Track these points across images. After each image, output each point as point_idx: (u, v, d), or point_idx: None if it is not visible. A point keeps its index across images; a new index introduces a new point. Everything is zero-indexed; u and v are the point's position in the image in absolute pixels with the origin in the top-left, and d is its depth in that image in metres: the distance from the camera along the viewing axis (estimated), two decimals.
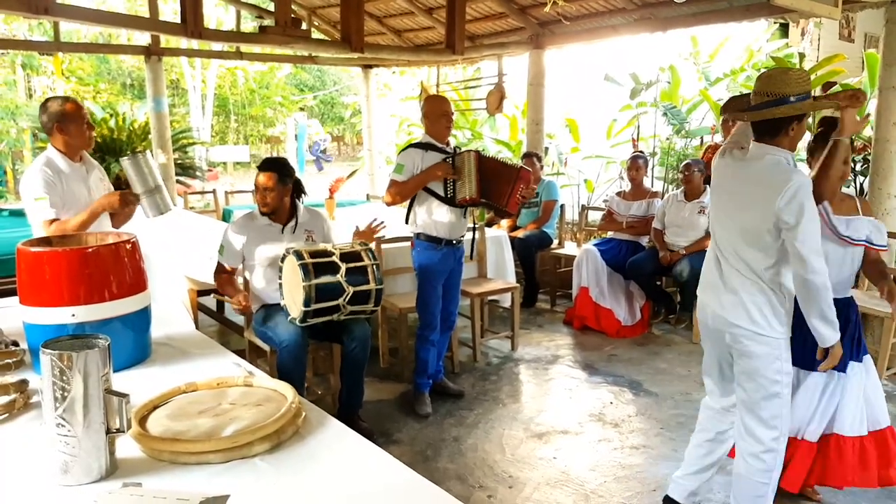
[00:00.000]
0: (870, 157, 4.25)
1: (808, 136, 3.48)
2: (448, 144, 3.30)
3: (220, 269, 3.02)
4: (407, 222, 3.34)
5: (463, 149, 3.38)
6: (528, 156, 5.40)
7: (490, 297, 4.36)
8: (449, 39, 5.33)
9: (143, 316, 1.92)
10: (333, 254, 2.66)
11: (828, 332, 2.00)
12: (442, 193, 3.22)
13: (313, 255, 2.63)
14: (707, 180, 4.53)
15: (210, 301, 3.95)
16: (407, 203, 3.34)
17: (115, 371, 1.39)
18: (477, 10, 6.00)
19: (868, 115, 2.35)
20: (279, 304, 2.82)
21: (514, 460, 2.89)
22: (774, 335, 2.07)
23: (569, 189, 7.37)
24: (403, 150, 3.32)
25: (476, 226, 3.56)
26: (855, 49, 8.06)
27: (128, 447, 1.38)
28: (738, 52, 7.17)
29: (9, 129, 11.55)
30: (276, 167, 2.95)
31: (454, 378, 3.77)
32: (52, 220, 2.56)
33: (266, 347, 2.98)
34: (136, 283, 1.88)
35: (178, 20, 4.19)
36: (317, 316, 2.63)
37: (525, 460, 2.89)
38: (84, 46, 9.17)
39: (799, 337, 2.14)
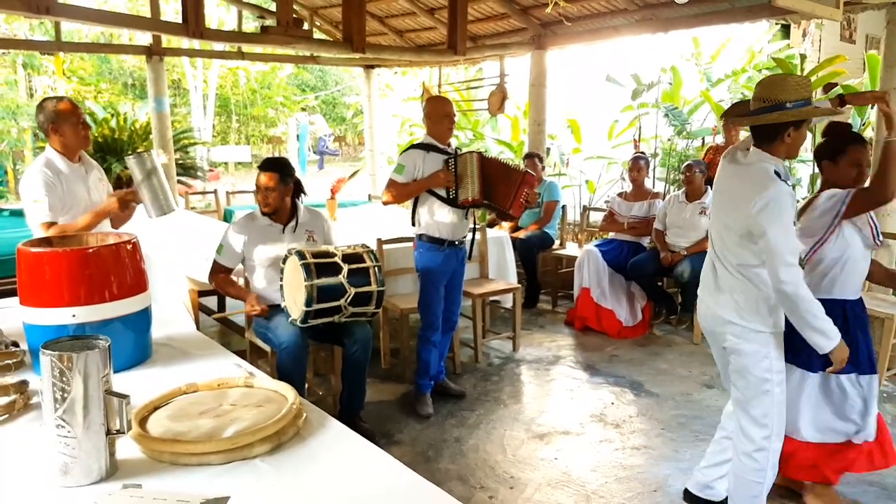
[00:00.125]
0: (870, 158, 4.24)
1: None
2: (449, 145, 3.30)
3: (216, 269, 3.02)
4: (413, 224, 3.34)
5: (464, 150, 3.37)
6: (529, 156, 5.39)
7: (491, 298, 4.36)
8: (451, 40, 5.33)
9: (144, 316, 1.91)
10: (335, 255, 2.66)
11: (819, 340, 2.00)
12: (444, 194, 3.22)
13: (315, 255, 2.62)
14: (708, 181, 4.53)
15: (211, 301, 3.95)
16: (410, 204, 3.33)
17: (115, 372, 1.39)
18: (479, 10, 5.99)
19: None
20: (279, 305, 2.82)
21: (515, 461, 2.88)
22: (762, 330, 2.09)
23: (570, 190, 7.37)
24: (405, 150, 3.32)
25: (477, 226, 3.56)
26: (856, 50, 8.05)
27: (128, 448, 1.38)
28: (739, 53, 7.16)
29: (10, 129, 11.56)
30: (278, 167, 2.95)
31: (456, 379, 3.77)
32: (50, 224, 2.55)
33: (267, 348, 2.98)
34: (137, 283, 1.87)
35: (180, 20, 4.19)
36: (318, 317, 2.62)
37: (526, 461, 2.88)
38: (85, 46, 9.16)
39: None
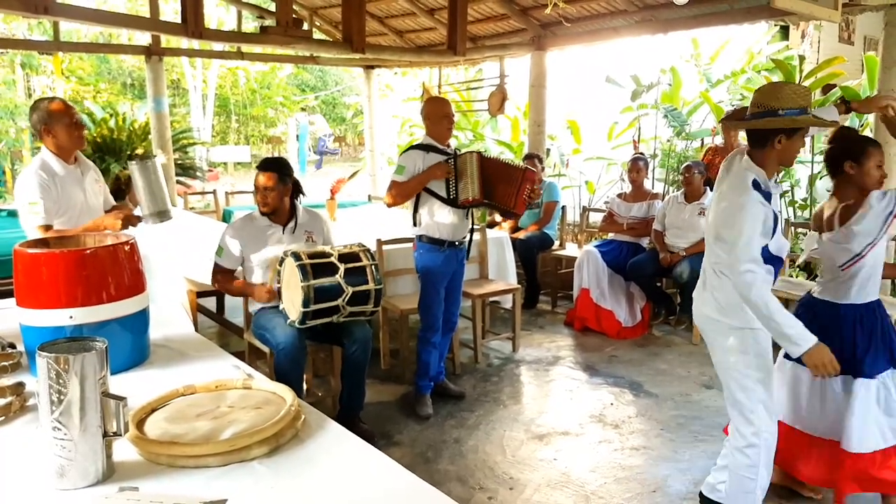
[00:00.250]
0: None
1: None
2: (449, 146, 3.29)
3: (217, 271, 3.01)
4: (415, 225, 3.33)
5: (464, 150, 3.37)
6: (529, 157, 5.39)
7: (491, 299, 4.35)
8: (451, 40, 5.33)
9: (142, 318, 1.90)
10: (332, 255, 2.65)
11: (786, 344, 2.01)
12: (444, 195, 3.21)
13: (311, 256, 2.62)
14: (707, 182, 4.53)
15: (210, 302, 3.94)
16: (411, 205, 3.33)
17: (112, 373, 1.38)
18: (479, 11, 5.99)
19: None
20: (277, 306, 2.81)
21: (514, 462, 2.88)
22: (741, 327, 2.11)
23: (570, 190, 7.36)
24: (405, 151, 3.32)
25: (476, 227, 3.56)
26: (854, 51, 8.06)
27: (125, 450, 1.37)
28: (738, 54, 7.16)
29: (8, 129, 11.55)
30: (276, 167, 2.94)
31: (455, 379, 3.76)
32: (46, 227, 2.54)
33: (266, 349, 2.97)
34: (135, 284, 1.86)
35: (179, 20, 4.18)
36: (316, 317, 2.61)
37: (526, 462, 2.88)
38: (84, 46, 9.16)
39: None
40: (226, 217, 6.04)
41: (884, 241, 2.30)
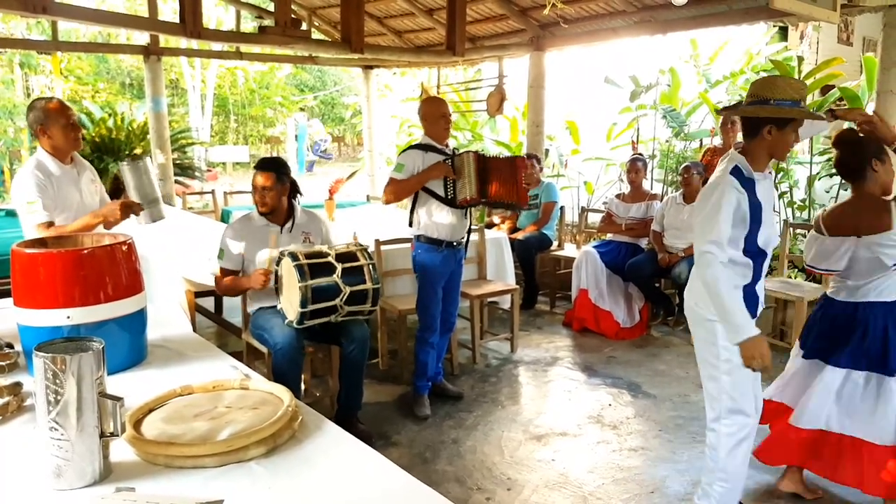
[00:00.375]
0: None
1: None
2: (447, 146, 3.29)
3: (223, 274, 2.98)
4: (411, 225, 3.33)
5: (462, 150, 3.37)
6: (528, 157, 5.38)
7: (489, 299, 4.35)
8: (449, 41, 5.33)
9: (139, 318, 1.90)
10: (329, 254, 2.65)
11: (729, 330, 2.06)
12: (442, 194, 3.21)
13: (309, 256, 2.62)
14: (706, 183, 4.53)
15: (208, 302, 3.94)
16: (409, 204, 3.33)
17: (110, 374, 1.38)
18: (477, 11, 5.99)
19: None
20: (275, 306, 2.80)
21: (512, 462, 2.88)
22: (712, 318, 2.14)
23: (569, 191, 7.37)
24: (404, 150, 3.32)
25: (474, 227, 3.56)
26: (853, 53, 8.07)
27: (122, 451, 1.37)
28: (737, 55, 7.17)
29: (6, 129, 11.54)
30: (274, 166, 2.94)
31: (453, 380, 3.76)
32: (48, 224, 2.53)
33: (264, 349, 2.97)
34: (132, 284, 1.86)
35: (178, 20, 4.17)
36: (314, 317, 2.61)
37: (524, 462, 2.88)
38: (83, 46, 9.15)
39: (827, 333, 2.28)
40: (224, 217, 6.04)
41: None
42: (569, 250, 5.42)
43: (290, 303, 2.63)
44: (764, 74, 6.22)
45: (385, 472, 1.34)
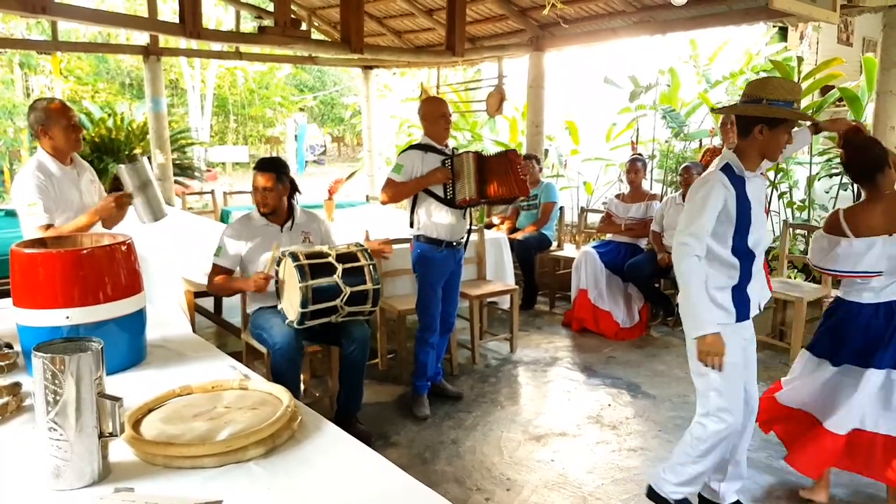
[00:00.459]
0: None
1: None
2: (447, 146, 3.29)
3: (216, 271, 3.00)
4: (412, 226, 3.33)
5: (461, 150, 3.37)
6: (527, 157, 5.39)
7: (489, 299, 4.35)
8: (449, 41, 5.33)
9: (139, 318, 1.90)
10: (329, 255, 2.65)
11: (691, 322, 2.10)
12: (441, 195, 3.21)
13: (309, 256, 2.62)
14: None
15: (207, 303, 3.93)
16: (408, 205, 3.33)
17: (109, 374, 1.38)
18: (477, 11, 5.99)
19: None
20: (275, 306, 2.80)
21: (512, 463, 2.88)
22: None
23: (568, 191, 7.37)
24: (403, 150, 3.32)
25: (474, 227, 3.56)
26: (853, 53, 8.07)
27: (121, 451, 1.37)
28: (737, 55, 7.17)
29: (6, 129, 11.54)
30: (274, 166, 2.95)
31: (453, 380, 3.76)
32: (48, 226, 2.53)
33: (263, 349, 2.97)
34: (132, 284, 1.86)
35: (177, 20, 4.17)
36: (314, 318, 2.61)
37: (523, 463, 2.88)
38: (82, 46, 9.16)
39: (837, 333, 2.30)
40: (224, 217, 6.04)
41: None
42: (568, 250, 5.42)
43: (291, 303, 2.63)
44: (764, 75, 6.23)
45: (384, 472, 1.34)
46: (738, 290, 2.17)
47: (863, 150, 2.42)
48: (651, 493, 2.42)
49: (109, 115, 9.37)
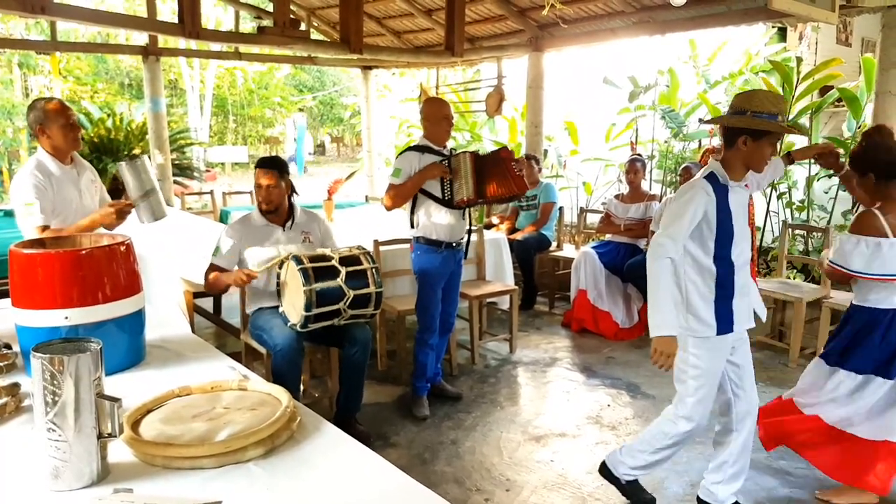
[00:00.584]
0: None
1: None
2: (445, 147, 3.29)
3: (212, 269, 2.98)
4: (412, 227, 3.33)
5: (459, 150, 3.37)
6: (526, 158, 5.39)
7: (488, 300, 4.35)
8: (448, 41, 5.33)
9: (138, 318, 1.90)
10: (332, 258, 2.64)
11: (653, 320, 2.14)
12: (439, 195, 3.21)
13: (312, 259, 2.61)
14: None
15: (207, 303, 3.93)
16: (409, 207, 3.32)
17: (108, 374, 1.38)
18: (476, 12, 6.00)
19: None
20: (275, 307, 2.80)
21: (511, 463, 2.87)
22: (682, 326, 2.22)
23: (567, 192, 7.37)
24: (401, 153, 3.31)
25: (473, 228, 3.56)
26: (852, 53, 8.08)
27: (120, 452, 1.36)
28: (736, 55, 7.18)
29: (5, 129, 11.53)
30: (276, 164, 2.97)
31: (452, 380, 3.76)
32: (44, 227, 2.53)
33: (262, 350, 2.96)
34: (131, 285, 1.86)
35: (176, 20, 4.17)
36: (318, 321, 2.61)
37: (523, 463, 2.88)
38: (81, 46, 9.15)
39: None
40: (223, 218, 6.03)
41: None
42: (567, 251, 5.42)
43: (294, 306, 2.63)
44: (763, 75, 6.24)
45: (383, 473, 1.34)
46: (723, 303, 2.21)
47: (891, 150, 2.41)
48: (604, 469, 2.55)
49: (108, 116, 9.36)
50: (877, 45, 4.23)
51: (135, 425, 1.45)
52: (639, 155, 5.35)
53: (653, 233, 4.62)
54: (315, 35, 7.13)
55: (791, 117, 5.42)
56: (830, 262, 2.44)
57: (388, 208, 3.28)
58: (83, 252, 1.78)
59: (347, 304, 2.60)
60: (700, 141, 6.52)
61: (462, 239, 3.37)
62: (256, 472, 1.32)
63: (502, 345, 4.36)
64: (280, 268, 2.71)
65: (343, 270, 2.60)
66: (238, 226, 3.01)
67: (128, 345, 1.87)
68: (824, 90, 6.02)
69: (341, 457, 1.40)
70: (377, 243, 3.84)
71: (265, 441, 1.39)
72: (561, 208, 5.50)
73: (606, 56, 7.20)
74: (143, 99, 8.47)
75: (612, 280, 4.68)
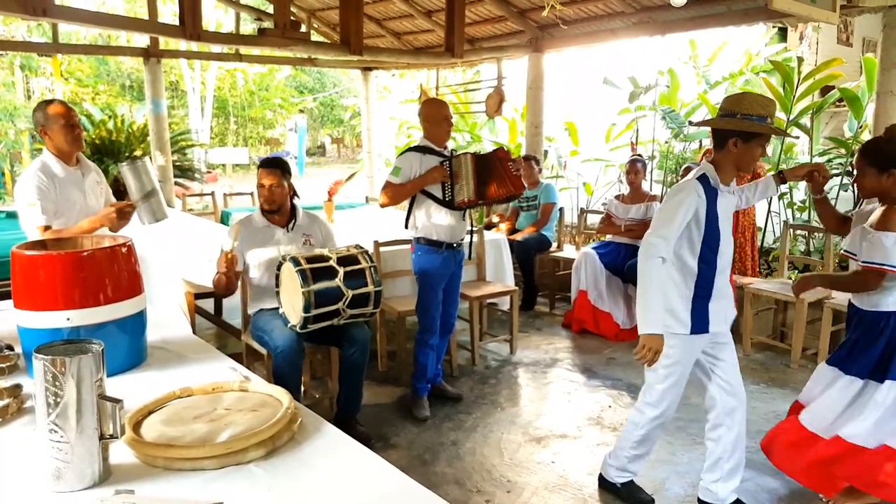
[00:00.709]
0: None
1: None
2: (446, 148, 3.29)
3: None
4: (406, 226, 3.33)
5: (460, 151, 3.37)
6: (526, 159, 5.40)
7: (489, 301, 4.35)
8: (448, 42, 5.34)
9: (139, 320, 1.90)
10: (330, 258, 2.65)
11: (641, 317, 2.18)
12: (440, 196, 3.21)
13: (310, 260, 2.62)
14: None
15: (207, 304, 3.94)
16: (405, 205, 3.33)
17: (109, 375, 1.38)
18: (476, 13, 6.00)
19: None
20: (276, 308, 2.81)
21: (512, 464, 2.88)
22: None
23: (568, 192, 7.37)
24: (402, 153, 3.32)
25: (474, 228, 3.56)
26: (853, 53, 8.09)
27: (122, 453, 1.37)
28: (736, 55, 7.19)
29: (7, 131, 11.56)
30: (278, 164, 2.99)
31: (453, 381, 3.76)
32: (46, 228, 2.54)
33: (263, 351, 2.97)
34: (132, 286, 1.86)
35: (177, 22, 4.18)
36: (317, 321, 2.61)
37: (523, 464, 2.88)
38: (83, 48, 9.19)
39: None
40: (224, 219, 6.04)
41: None
42: (568, 251, 5.42)
43: (293, 307, 2.63)
44: (763, 76, 6.24)
45: (384, 474, 1.35)
46: (699, 303, 2.24)
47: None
48: (601, 480, 2.62)
49: (110, 117, 9.38)
50: (878, 45, 4.23)
51: (136, 426, 1.45)
52: (639, 155, 5.35)
53: None
54: (315, 37, 7.14)
55: (792, 117, 5.43)
56: (866, 262, 2.27)
57: (383, 206, 3.28)
58: (85, 253, 1.79)
59: (346, 303, 2.61)
60: (700, 141, 6.52)
61: (462, 240, 3.37)
62: (258, 473, 1.33)
63: (503, 346, 4.36)
64: (278, 269, 2.71)
65: (341, 270, 2.60)
66: (239, 227, 3.01)
67: (129, 346, 1.87)
68: (825, 90, 6.03)
69: (342, 458, 1.40)
70: (377, 244, 3.85)
71: (266, 442, 1.39)
72: (561, 209, 5.51)
73: (606, 56, 7.21)
74: (144, 101, 8.48)
75: (613, 281, 4.68)
